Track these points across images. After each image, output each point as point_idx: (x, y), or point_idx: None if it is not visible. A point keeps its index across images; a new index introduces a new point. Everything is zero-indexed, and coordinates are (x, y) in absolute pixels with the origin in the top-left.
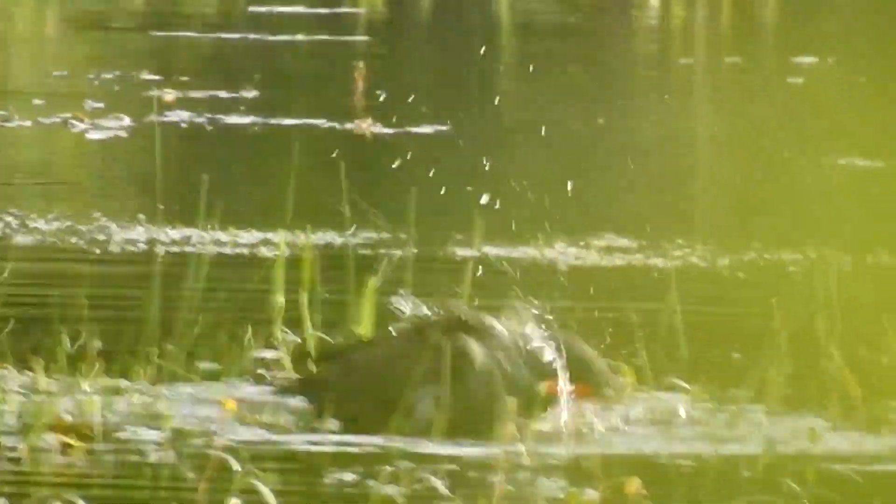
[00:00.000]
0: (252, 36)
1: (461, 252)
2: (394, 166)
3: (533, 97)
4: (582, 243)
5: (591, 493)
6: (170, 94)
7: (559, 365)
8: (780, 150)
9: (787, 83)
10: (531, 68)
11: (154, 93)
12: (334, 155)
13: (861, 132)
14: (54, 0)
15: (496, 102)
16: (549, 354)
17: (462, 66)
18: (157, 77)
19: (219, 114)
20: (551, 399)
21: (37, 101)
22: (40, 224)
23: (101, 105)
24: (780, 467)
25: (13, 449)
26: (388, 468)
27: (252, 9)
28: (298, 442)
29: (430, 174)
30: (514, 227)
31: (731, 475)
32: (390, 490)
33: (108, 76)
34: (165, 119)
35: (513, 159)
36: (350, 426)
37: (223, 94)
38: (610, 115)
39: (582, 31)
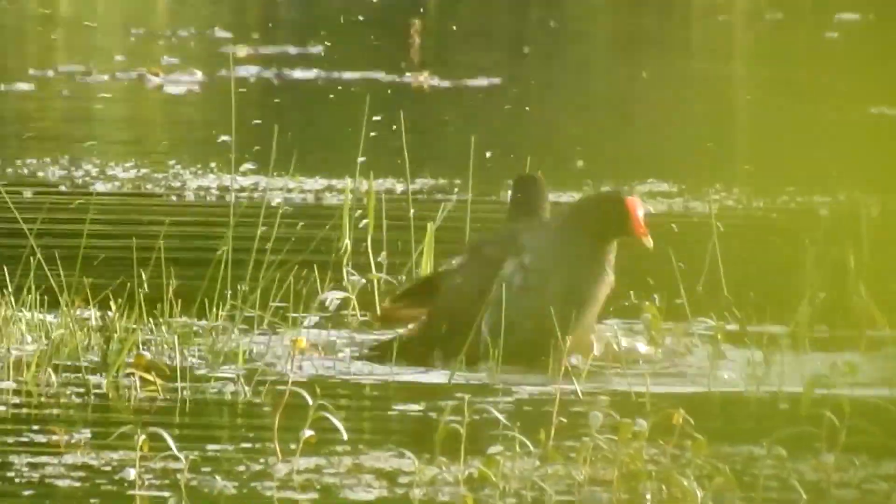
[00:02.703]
0: None
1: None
2: (449, 117)
3: (581, 52)
4: (626, 188)
5: (640, 424)
6: (242, 50)
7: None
8: (813, 100)
9: (824, 38)
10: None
11: (227, 49)
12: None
13: (891, 83)
14: None
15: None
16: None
17: (515, 21)
18: (229, 34)
19: (286, 68)
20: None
21: (118, 58)
22: (118, 172)
23: (175, 60)
24: (818, 400)
25: (97, 385)
26: (451, 401)
27: None
28: (366, 377)
29: (483, 124)
30: (564, 173)
31: (771, 409)
32: (453, 421)
33: (184, 33)
34: (236, 74)
35: (562, 110)
36: (423, 359)
37: (291, 49)
38: (654, 69)
39: None
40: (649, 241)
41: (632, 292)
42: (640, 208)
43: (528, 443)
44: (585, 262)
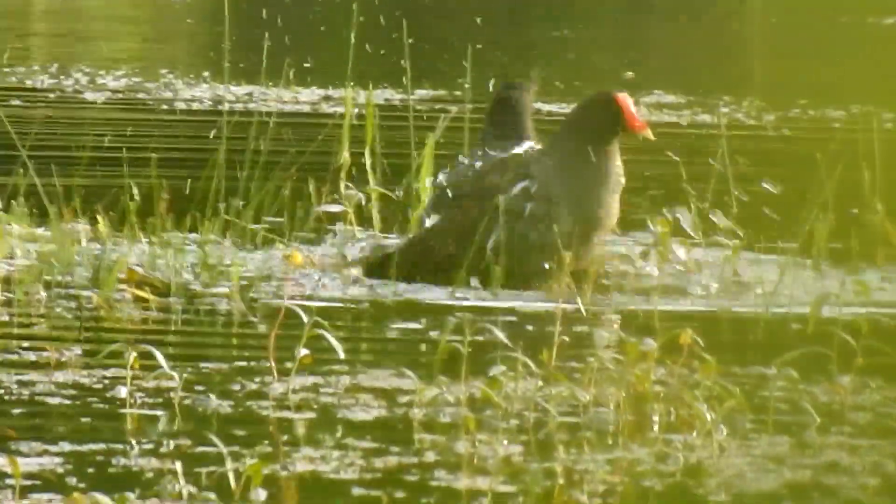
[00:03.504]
0: None
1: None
2: (446, 25)
3: None
4: (632, 99)
5: (648, 344)
6: None
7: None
8: (825, 9)
9: None
10: None
11: None
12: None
13: None
14: None
15: None
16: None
17: None
18: None
19: None
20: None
21: None
22: (108, 80)
23: None
24: (830, 319)
25: (88, 300)
26: (452, 319)
27: None
28: (364, 294)
29: (486, 34)
30: (565, 84)
31: (782, 329)
32: (454, 340)
33: None
34: None
35: (565, 18)
36: (421, 277)
37: None
38: None
39: None
40: (649, 133)
41: (640, 208)
42: (630, 103)
43: (531, 363)
44: (591, 174)
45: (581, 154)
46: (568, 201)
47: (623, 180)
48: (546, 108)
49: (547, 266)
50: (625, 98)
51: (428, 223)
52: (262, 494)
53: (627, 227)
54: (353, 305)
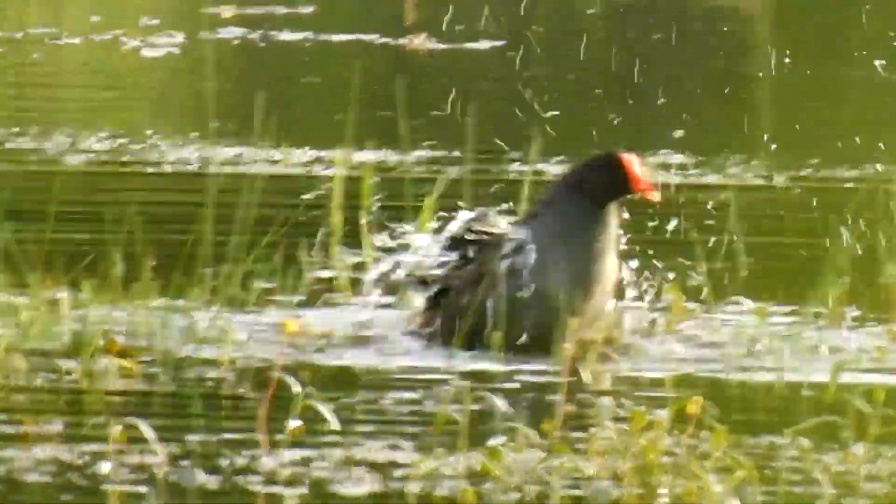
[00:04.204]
0: None
1: (517, 168)
2: (446, 82)
3: (589, 13)
4: (638, 159)
5: (656, 413)
6: (227, 11)
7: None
8: (839, 67)
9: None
10: None
11: (209, 9)
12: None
13: None
14: None
15: (552, 19)
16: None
17: None
18: None
19: (273, 30)
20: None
21: (93, 18)
22: (91, 142)
23: (156, 22)
24: (846, 387)
25: (69, 372)
26: (450, 388)
27: None
28: (359, 362)
29: (486, 91)
30: (570, 143)
31: (795, 396)
32: (452, 410)
33: None
34: (219, 35)
35: (569, 76)
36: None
37: (280, 9)
38: (669, 31)
39: None
40: (656, 195)
41: (648, 271)
42: (637, 164)
43: (532, 433)
44: (589, 236)
45: (578, 215)
46: (565, 264)
47: (623, 241)
48: (552, 169)
49: (545, 332)
50: (630, 158)
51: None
52: None
53: (636, 290)
54: (347, 374)
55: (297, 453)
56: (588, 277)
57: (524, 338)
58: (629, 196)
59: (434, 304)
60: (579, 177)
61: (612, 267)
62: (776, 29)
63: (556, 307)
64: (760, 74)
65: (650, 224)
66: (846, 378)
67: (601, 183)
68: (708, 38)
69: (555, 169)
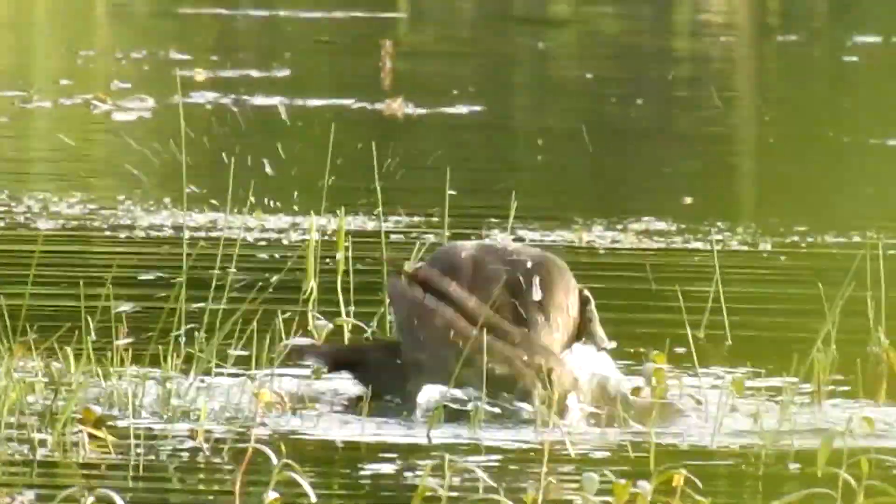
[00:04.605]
0: (283, 13)
1: (497, 235)
2: (424, 148)
3: (569, 77)
4: (619, 226)
5: (641, 486)
6: (200, 74)
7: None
8: (827, 130)
9: (841, 62)
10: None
11: (181, 72)
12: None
13: None
14: None
15: (530, 83)
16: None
17: (496, 46)
18: (186, 56)
19: (247, 94)
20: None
21: (63, 82)
22: (62, 208)
23: (127, 85)
24: (834, 458)
25: (42, 443)
26: (430, 460)
27: None
28: (337, 433)
29: (463, 156)
30: (550, 210)
31: (782, 467)
32: (432, 482)
33: (137, 55)
34: (192, 100)
35: (546, 141)
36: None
37: (254, 72)
38: (650, 98)
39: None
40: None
41: (631, 338)
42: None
43: None
44: None
45: None
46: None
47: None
48: (530, 235)
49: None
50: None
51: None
52: None
53: (621, 356)
54: (324, 444)
55: None
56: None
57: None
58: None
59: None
60: None
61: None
62: (761, 94)
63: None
64: (744, 138)
65: (632, 287)
66: (833, 449)
67: None
68: (690, 102)
69: (532, 235)
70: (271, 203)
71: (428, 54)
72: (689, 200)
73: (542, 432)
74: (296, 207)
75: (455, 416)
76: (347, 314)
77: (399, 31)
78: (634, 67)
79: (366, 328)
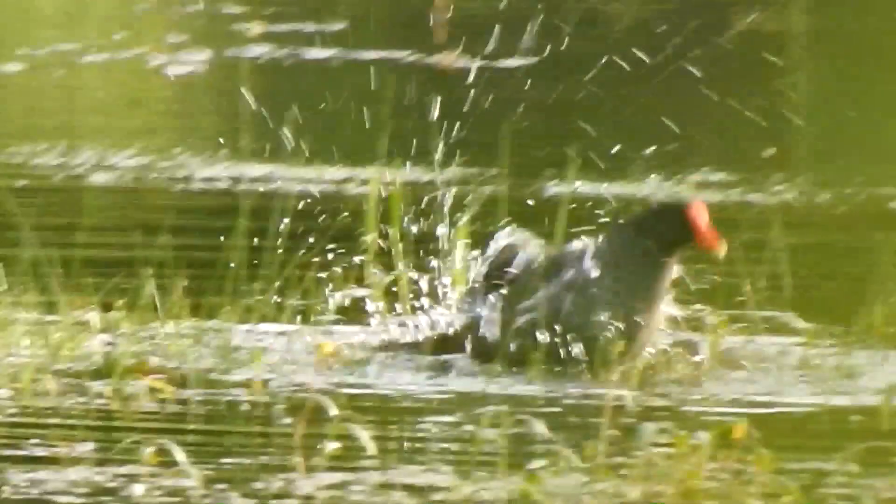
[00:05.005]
0: None
1: (554, 188)
2: (479, 100)
3: (627, 30)
4: (677, 177)
5: (700, 437)
6: (257, 28)
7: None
8: (884, 85)
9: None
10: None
11: (238, 26)
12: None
13: None
14: None
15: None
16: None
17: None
18: (242, 10)
19: (302, 47)
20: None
21: (119, 35)
22: (118, 161)
23: (183, 39)
24: (892, 410)
25: (101, 394)
26: (489, 411)
27: None
28: (395, 385)
29: (519, 109)
30: (606, 163)
31: (843, 420)
32: (491, 434)
33: (193, 9)
34: (247, 53)
35: (604, 92)
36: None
37: (309, 26)
38: (706, 51)
39: None
40: (721, 250)
41: (690, 293)
42: (705, 216)
43: (574, 457)
44: (648, 280)
45: (639, 259)
46: (614, 303)
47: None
48: (586, 189)
49: (590, 356)
50: (699, 211)
51: (480, 309)
52: None
53: (682, 305)
54: (383, 396)
55: (334, 477)
56: (636, 320)
57: (570, 357)
58: (693, 247)
59: (471, 324)
60: (647, 223)
61: (660, 314)
62: (818, 47)
63: (602, 335)
64: (802, 91)
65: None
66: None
67: (668, 232)
68: (746, 57)
69: (590, 188)
70: (327, 155)
71: (480, 8)
72: (772, 151)
73: (601, 386)
74: (352, 160)
75: (514, 368)
76: (406, 265)
77: None
78: (689, 18)
79: (420, 281)
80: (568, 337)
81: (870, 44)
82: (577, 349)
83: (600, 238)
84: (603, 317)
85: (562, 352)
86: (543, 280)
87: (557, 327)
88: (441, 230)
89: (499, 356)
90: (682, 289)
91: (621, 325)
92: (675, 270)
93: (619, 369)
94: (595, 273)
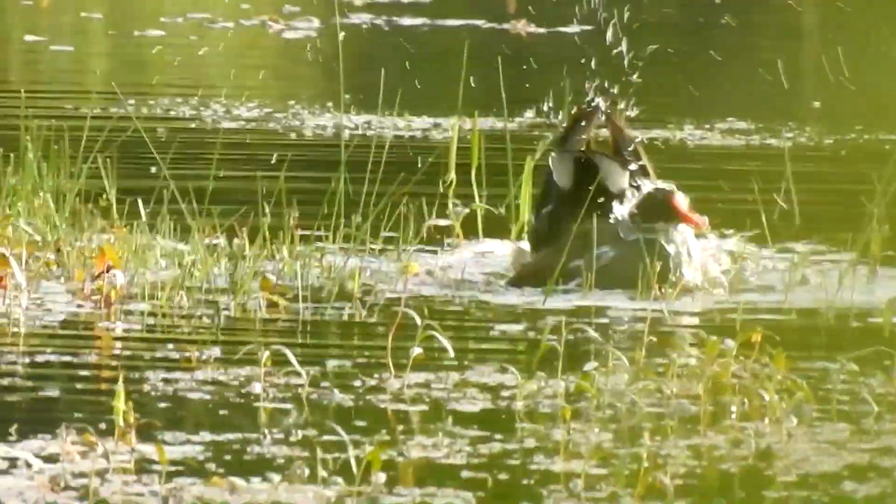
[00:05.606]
0: None
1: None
2: (544, 60)
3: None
4: (707, 125)
5: (726, 342)
6: None
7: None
8: (881, 41)
9: None
10: None
11: None
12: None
13: None
14: None
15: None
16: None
17: None
18: None
19: (396, 16)
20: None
21: (244, 6)
22: (242, 111)
23: (297, 9)
24: (889, 322)
25: (226, 307)
26: (550, 320)
27: None
28: (471, 299)
29: (576, 67)
30: (649, 113)
31: (843, 328)
32: (552, 339)
33: None
34: (350, 21)
35: (650, 53)
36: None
37: None
38: (736, 16)
39: None
40: (703, 223)
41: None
42: (683, 203)
43: (621, 359)
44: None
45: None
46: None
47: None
48: (650, 135)
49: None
50: (679, 200)
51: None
52: (381, 478)
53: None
54: (461, 309)
55: (420, 376)
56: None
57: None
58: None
59: (537, 240)
60: (639, 212)
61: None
62: (825, 19)
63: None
64: (811, 59)
65: (712, 181)
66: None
67: (655, 217)
68: (766, 24)
69: (634, 133)
70: (415, 106)
71: None
72: (817, 104)
73: (644, 301)
74: (437, 111)
75: (569, 287)
76: (480, 200)
77: None
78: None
79: (495, 211)
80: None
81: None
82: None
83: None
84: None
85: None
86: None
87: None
88: (509, 170)
89: (553, 275)
90: (711, 217)
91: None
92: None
93: (659, 285)
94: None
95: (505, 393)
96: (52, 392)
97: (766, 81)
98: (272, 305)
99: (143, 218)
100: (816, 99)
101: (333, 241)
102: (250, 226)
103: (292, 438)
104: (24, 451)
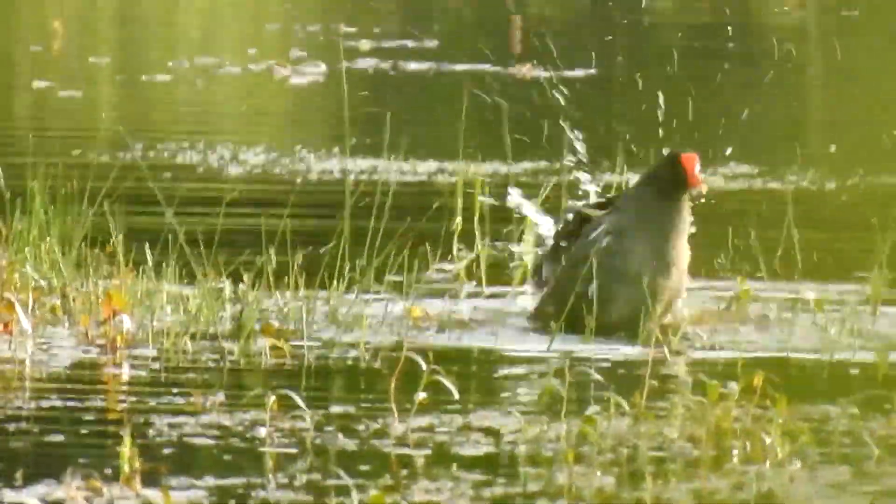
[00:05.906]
0: None
1: (608, 177)
2: (548, 104)
3: (662, 43)
4: (710, 170)
5: (729, 386)
6: (365, 44)
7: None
8: (885, 86)
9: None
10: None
11: (350, 43)
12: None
13: None
14: None
15: (636, 49)
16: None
17: (605, 15)
18: (354, 29)
19: (402, 60)
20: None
21: (250, 51)
22: (249, 156)
23: (304, 53)
24: (892, 365)
25: (231, 351)
26: (553, 364)
27: None
28: (475, 343)
29: (580, 111)
30: (652, 156)
31: (844, 372)
32: (555, 382)
33: (313, 28)
34: (357, 66)
35: (650, 98)
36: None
37: (409, 42)
38: (733, 62)
39: None
40: (703, 189)
41: (715, 264)
42: (695, 162)
43: (623, 403)
44: (663, 219)
45: (652, 206)
46: (643, 240)
47: (693, 228)
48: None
49: (633, 313)
50: (690, 157)
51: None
52: None
53: (710, 275)
54: (464, 353)
55: (423, 420)
56: (664, 257)
57: (615, 317)
58: (689, 189)
59: (538, 284)
60: (650, 171)
61: (685, 250)
62: (828, 51)
63: (641, 289)
64: (814, 98)
65: (715, 228)
66: (890, 357)
67: (666, 174)
68: (770, 61)
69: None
70: (421, 151)
71: (549, 25)
72: (833, 148)
73: (645, 346)
74: (442, 155)
75: (570, 331)
76: (484, 245)
77: (526, 5)
78: (719, 36)
79: (499, 253)
80: (617, 295)
81: (885, 47)
82: (626, 304)
83: (621, 199)
84: (640, 265)
85: (613, 310)
86: (584, 245)
87: (607, 287)
88: (515, 214)
89: (557, 318)
90: (713, 261)
91: (658, 270)
92: (686, 212)
93: (659, 323)
94: (623, 229)
95: (508, 437)
96: (58, 437)
97: (767, 128)
98: (277, 350)
99: (150, 263)
100: (820, 140)
101: (338, 285)
102: (255, 271)
103: (297, 483)
104: (29, 496)
